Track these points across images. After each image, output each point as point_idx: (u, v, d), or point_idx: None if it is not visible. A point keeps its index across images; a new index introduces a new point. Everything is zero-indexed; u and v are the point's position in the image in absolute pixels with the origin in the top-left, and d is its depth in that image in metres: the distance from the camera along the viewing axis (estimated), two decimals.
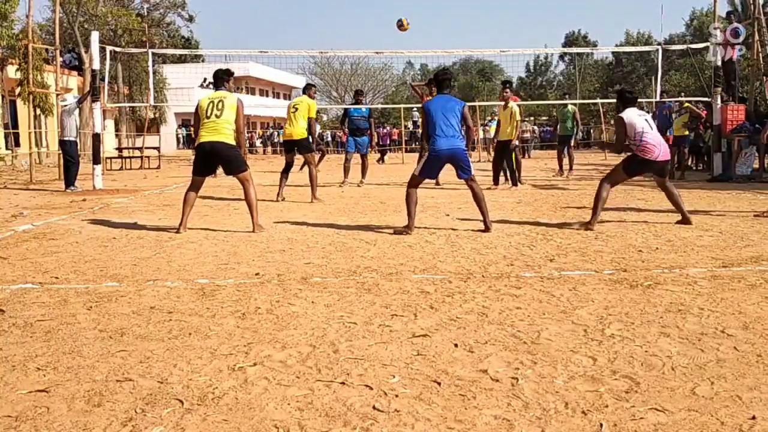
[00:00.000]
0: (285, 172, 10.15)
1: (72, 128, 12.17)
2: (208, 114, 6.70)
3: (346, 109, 13.82)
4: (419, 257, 5.26)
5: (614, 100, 10.10)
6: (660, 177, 7.06)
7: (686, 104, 14.73)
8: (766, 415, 2.34)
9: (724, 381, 2.64)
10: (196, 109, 6.83)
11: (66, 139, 12.14)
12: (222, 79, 6.91)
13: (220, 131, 6.66)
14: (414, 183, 6.73)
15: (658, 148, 6.74)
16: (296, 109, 9.81)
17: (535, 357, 2.94)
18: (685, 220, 6.91)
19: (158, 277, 4.64)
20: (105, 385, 2.66)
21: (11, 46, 20.78)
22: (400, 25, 12.63)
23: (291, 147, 9.98)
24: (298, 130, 9.72)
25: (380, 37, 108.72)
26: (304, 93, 10.59)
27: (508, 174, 11.76)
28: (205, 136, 6.69)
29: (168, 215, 8.21)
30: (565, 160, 15.03)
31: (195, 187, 6.89)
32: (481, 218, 6.62)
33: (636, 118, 6.84)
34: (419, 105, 18.29)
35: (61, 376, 2.77)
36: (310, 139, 10.07)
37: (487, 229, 6.54)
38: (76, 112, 12.51)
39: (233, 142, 6.77)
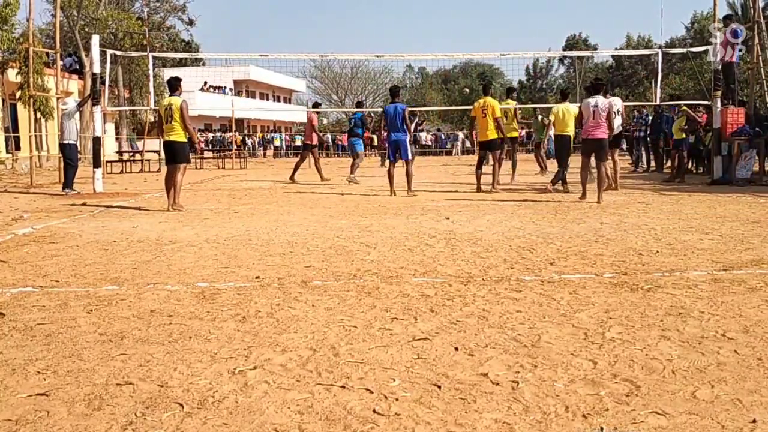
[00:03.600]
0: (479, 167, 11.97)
1: (72, 131, 12.17)
2: (166, 119, 9.19)
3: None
4: (419, 260, 5.26)
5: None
6: (598, 157, 9.56)
7: (683, 107, 14.75)
8: (766, 418, 2.33)
9: (725, 384, 2.64)
10: (158, 111, 9.63)
11: (66, 142, 12.13)
12: (172, 86, 9.32)
13: (174, 131, 9.15)
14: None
15: (589, 130, 9.49)
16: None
17: (536, 360, 2.93)
18: (582, 196, 9.59)
19: (158, 280, 4.64)
20: (105, 388, 2.66)
21: (12, 50, 20.78)
22: None
23: (484, 146, 11.99)
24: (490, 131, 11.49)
25: (380, 41, 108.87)
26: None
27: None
28: (166, 136, 9.30)
29: (168, 218, 8.21)
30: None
31: (170, 173, 9.27)
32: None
33: (590, 107, 9.47)
34: (419, 108, 18.34)
35: (62, 379, 2.77)
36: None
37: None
38: (77, 115, 12.51)
39: (183, 139, 9.19)
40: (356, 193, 11.81)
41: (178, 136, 9.13)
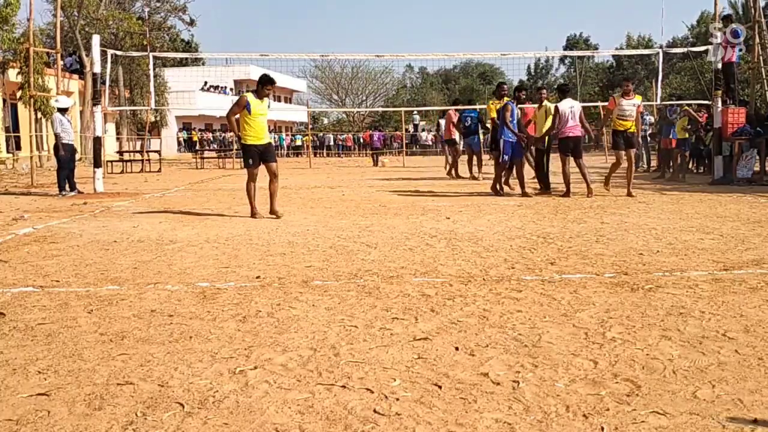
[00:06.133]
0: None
1: (62, 131, 12.03)
2: None
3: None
4: (420, 260, 5.26)
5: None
6: (575, 154, 10.27)
7: (684, 107, 14.77)
8: (767, 418, 2.33)
9: (726, 384, 2.64)
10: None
11: (56, 142, 11.98)
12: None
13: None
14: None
15: (569, 129, 10.22)
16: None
17: (536, 360, 2.93)
18: (589, 192, 10.11)
19: (159, 280, 4.64)
20: (106, 388, 2.66)
21: (12, 50, 20.81)
22: None
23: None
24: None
25: (381, 40, 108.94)
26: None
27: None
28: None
29: (169, 218, 8.21)
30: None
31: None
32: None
33: (567, 109, 10.26)
34: (419, 108, 18.26)
35: (62, 379, 2.77)
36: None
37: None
38: (68, 116, 12.40)
39: (244, 141, 8.30)
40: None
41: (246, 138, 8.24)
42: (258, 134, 8.24)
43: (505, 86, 11.48)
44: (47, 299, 4.13)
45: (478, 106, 16.09)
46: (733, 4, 35.16)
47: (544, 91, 12.00)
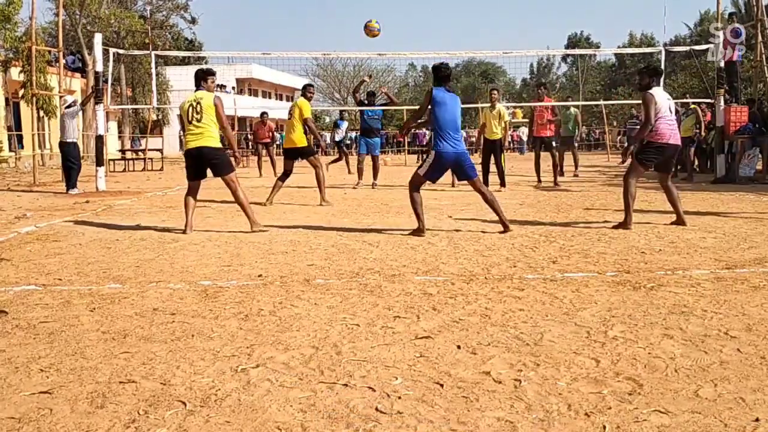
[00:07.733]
0: (282, 178, 9.75)
1: (73, 130, 12.16)
2: (190, 118, 6.80)
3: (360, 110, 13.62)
4: (422, 259, 5.26)
5: (616, 102, 10.43)
6: (665, 171, 6.97)
7: (693, 106, 14.73)
8: None
9: (728, 383, 2.63)
10: (180, 113, 7.02)
11: (68, 140, 12.11)
12: (200, 78, 6.94)
13: (204, 135, 6.79)
14: (417, 184, 6.62)
15: (671, 132, 6.68)
16: (291, 114, 9.50)
17: (538, 359, 2.93)
18: (679, 221, 6.87)
19: (161, 278, 4.65)
20: (108, 386, 2.67)
21: (15, 48, 20.84)
22: (370, 30, 11.79)
23: (293, 155, 9.65)
24: (297, 136, 9.46)
25: (383, 39, 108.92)
26: (302, 95, 10.19)
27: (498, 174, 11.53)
28: (191, 142, 6.85)
29: (171, 217, 8.21)
30: (570, 161, 15.09)
31: (192, 191, 7.01)
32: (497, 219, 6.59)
33: (663, 99, 6.73)
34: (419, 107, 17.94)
35: (64, 377, 2.78)
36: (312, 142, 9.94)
37: (505, 229, 6.48)
38: (79, 113, 12.51)
39: (218, 145, 6.92)
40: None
41: (212, 140, 6.83)
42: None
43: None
44: (49, 297, 4.13)
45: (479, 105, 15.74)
46: (736, 2, 35.07)
47: (496, 92, 11.91)
